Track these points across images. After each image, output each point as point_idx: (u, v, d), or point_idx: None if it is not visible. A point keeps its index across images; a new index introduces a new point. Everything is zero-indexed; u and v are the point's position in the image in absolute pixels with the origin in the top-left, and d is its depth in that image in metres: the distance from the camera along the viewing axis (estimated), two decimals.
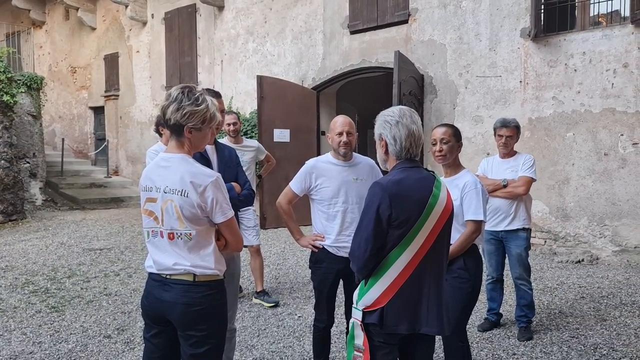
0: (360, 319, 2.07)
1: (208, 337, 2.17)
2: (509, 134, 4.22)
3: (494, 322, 4.36)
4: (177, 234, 2.15)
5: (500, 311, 4.43)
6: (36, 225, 9.49)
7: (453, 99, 7.94)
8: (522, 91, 7.30)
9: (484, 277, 4.33)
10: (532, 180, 4.14)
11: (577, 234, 6.90)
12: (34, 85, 11.92)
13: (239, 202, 2.88)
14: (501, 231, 4.19)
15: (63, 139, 14.52)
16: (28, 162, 11.50)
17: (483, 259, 4.31)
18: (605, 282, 5.65)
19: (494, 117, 7.51)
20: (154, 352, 2.29)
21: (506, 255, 4.30)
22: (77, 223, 9.77)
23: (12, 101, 10.07)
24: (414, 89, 7.93)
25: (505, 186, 4.12)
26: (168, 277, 2.19)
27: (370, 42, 8.97)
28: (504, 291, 4.47)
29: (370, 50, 8.95)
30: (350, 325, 2.13)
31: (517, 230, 4.15)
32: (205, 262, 2.17)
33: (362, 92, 11.59)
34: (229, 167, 2.94)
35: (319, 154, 9.30)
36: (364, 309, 2.07)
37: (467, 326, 3.32)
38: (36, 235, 8.59)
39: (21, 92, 11.24)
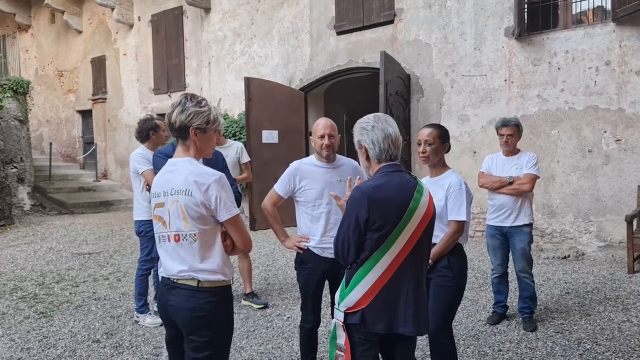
0: (342, 320, 2.12)
1: (209, 343, 2.19)
2: (509, 133, 4.37)
3: (501, 314, 4.50)
4: (182, 235, 2.18)
5: (504, 304, 4.54)
6: (24, 231, 9.44)
7: (439, 98, 8.01)
8: (507, 90, 7.38)
9: (490, 271, 4.61)
10: (536, 177, 4.32)
11: (563, 230, 6.98)
12: (20, 90, 11.85)
13: None
14: (506, 227, 4.35)
15: (51, 143, 14.46)
16: (15, 167, 11.43)
17: (488, 254, 4.58)
18: (590, 278, 5.73)
19: (480, 115, 7.61)
20: (174, 354, 2.37)
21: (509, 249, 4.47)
22: (65, 227, 9.73)
23: None
24: (401, 88, 7.98)
25: (511, 183, 4.28)
26: (175, 281, 2.23)
27: (356, 42, 9.02)
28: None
29: (357, 50, 8.99)
30: (332, 325, 2.17)
31: (522, 226, 4.32)
32: (209, 265, 2.19)
33: (350, 93, 11.62)
34: (215, 169, 2.97)
35: (307, 154, 9.31)
36: (345, 310, 2.12)
37: (453, 324, 3.36)
38: (24, 240, 8.55)
39: (7, 96, 11.18)
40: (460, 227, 3.01)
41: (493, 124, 7.08)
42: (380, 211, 2.07)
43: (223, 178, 2.20)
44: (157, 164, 3.82)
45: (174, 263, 2.21)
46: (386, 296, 2.09)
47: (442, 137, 3.12)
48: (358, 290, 2.08)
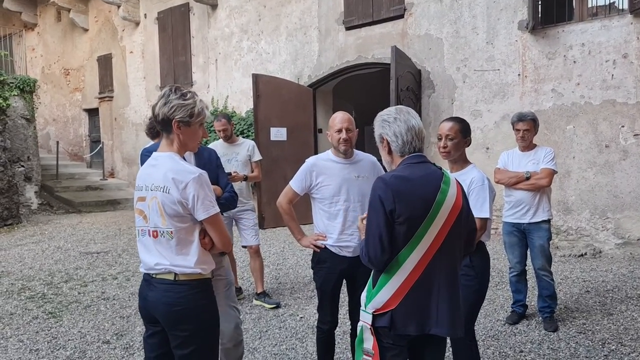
0: (370, 323, 2.00)
1: (192, 337, 2.15)
2: (525, 128, 4.26)
3: (521, 314, 4.39)
4: (160, 231, 2.16)
5: (524, 303, 4.42)
6: (32, 230, 9.38)
7: (451, 93, 7.87)
8: (521, 84, 7.23)
9: (506, 269, 4.52)
10: (554, 172, 4.21)
11: (579, 227, 6.84)
12: (27, 88, 11.79)
13: (221, 205, 2.76)
14: (524, 223, 4.22)
15: (57, 142, 14.40)
16: (23, 166, 11.39)
17: (505, 251, 4.47)
18: (610, 276, 5.59)
19: (492, 111, 7.47)
20: (150, 352, 2.30)
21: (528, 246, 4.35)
22: (73, 226, 9.66)
23: (4, 104, 9.96)
24: (412, 84, 7.86)
25: (528, 178, 4.17)
26: (153, 276, 2.20)
27: (366, 37, 8.89)
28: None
29: (366, 46, 8.87)
30: (359, 328, 2.05)
31: (540, 222, 4.21)
32: (186, 261, 2.15)
33: (359, 89, 11.50)
34: (209, 169, 2.83)
35: (316, 151, 9.22)
36: (373, 312, 2.00)
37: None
38: (32, 239, 8.49)
39: (14, 95, 11.13)
40: (484, 225, 2.89)
41: (506, 120, 6.97)
42: (405, 204, 1.95)
43: (203, 176, 2.13)
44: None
45: (152, 257, 2.18)
46: (416, 295, 1.97)
47: (463, 131, 3.00)
48: (386, 291, 1.97)
